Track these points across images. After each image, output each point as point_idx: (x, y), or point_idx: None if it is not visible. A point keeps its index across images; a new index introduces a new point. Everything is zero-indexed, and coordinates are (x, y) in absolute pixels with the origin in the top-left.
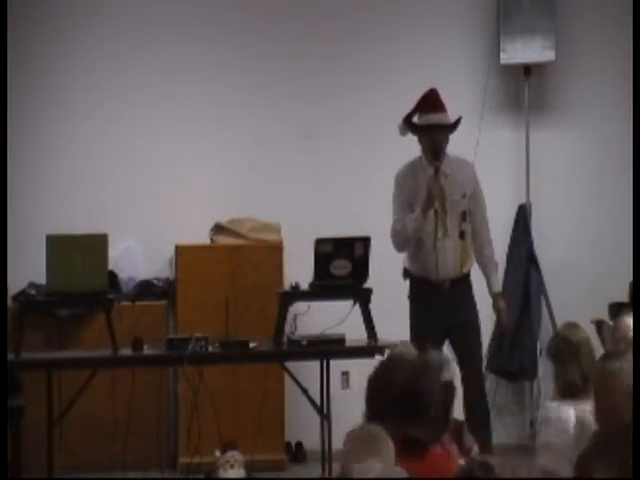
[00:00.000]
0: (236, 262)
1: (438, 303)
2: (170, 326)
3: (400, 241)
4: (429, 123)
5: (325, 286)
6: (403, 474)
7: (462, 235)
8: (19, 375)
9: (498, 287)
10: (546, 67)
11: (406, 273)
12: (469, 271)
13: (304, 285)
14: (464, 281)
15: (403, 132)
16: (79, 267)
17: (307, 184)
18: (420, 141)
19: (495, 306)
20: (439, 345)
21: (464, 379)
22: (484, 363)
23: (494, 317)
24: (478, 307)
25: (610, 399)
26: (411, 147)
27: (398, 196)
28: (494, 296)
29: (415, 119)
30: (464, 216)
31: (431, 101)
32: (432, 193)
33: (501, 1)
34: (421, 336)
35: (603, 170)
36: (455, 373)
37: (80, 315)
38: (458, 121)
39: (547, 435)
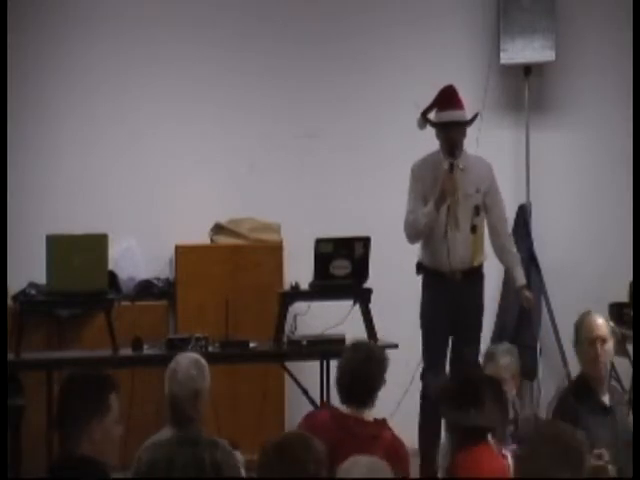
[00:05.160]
0: (236, 262)
1: (447, 294)
2: (170, 326)
3: (412, 233)
4: (446, 120)
5: (325, 286)
6: (387, 470)
7: (474, 229)
8: (19, 375)
9: (522, 280)
10: (546, 67)
11: (419, 267)
12: (482, 264)
13: (304, 285)
14: (476, 274)
15: (421, 126)
16: (79, 267)
17: (307, 184)
18: (438, 136)
19: (522, 297)
20: (444, 335)
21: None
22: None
23: (494, 316)
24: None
25: None
26: (412, 146)
27: (413, 188)
28: (519, 288)
29: (433, 114)
30: (477, 210)
31: (448, 98)
32: (445, 189)
33: (501, 1)
34: (428, 326)
35: (603, 170)
36: None
37: (80, 315)
38: (475, 117)
39: None
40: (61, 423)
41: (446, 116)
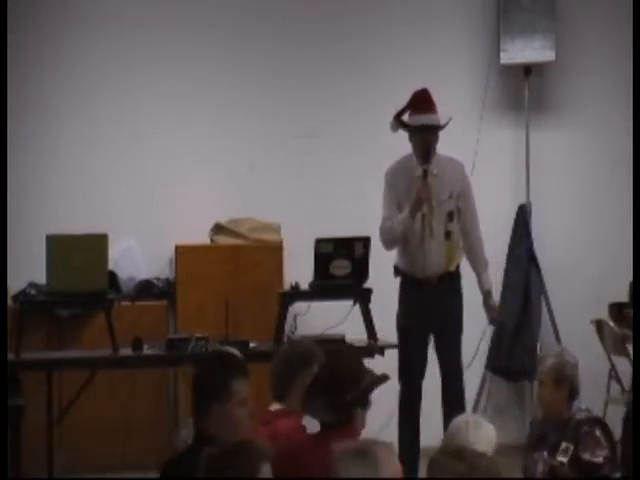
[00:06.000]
0: (236, 262)
1: (423, 299)
2: (170, 326)
3: (388, 239)
4: (419, 124)
5: (325, 286)
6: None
7: (448, 235)
8: (19, 375)
9: (488, 285)
10: (546, 67)
11: (396, 270)
12: (458, 267)
13: (304, 285)
14: (451, 278)
15: (394, 128)
16: (79, 267)
17: (307, 184)
18: (411, 139)
19: (485, 304)
20: (423, 340)
21: (443, 374)
22: (484, 363)
23: None
24: (475, 305)
25: None
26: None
27: (387, 194)
28: (484, 294)
29: (406, 117)
30: (450, 216)
31: (422, 101)
32: (420, 197)
33: (501, 1)
34: (405, 331)
35: (603, 170)
36: None
37: (80, 315)
38: (448, 122)
39: None
40: (192, 407)
41: (420, 119)
